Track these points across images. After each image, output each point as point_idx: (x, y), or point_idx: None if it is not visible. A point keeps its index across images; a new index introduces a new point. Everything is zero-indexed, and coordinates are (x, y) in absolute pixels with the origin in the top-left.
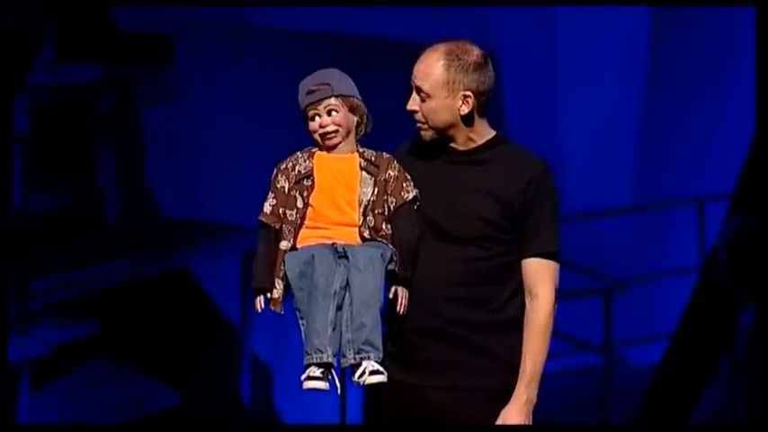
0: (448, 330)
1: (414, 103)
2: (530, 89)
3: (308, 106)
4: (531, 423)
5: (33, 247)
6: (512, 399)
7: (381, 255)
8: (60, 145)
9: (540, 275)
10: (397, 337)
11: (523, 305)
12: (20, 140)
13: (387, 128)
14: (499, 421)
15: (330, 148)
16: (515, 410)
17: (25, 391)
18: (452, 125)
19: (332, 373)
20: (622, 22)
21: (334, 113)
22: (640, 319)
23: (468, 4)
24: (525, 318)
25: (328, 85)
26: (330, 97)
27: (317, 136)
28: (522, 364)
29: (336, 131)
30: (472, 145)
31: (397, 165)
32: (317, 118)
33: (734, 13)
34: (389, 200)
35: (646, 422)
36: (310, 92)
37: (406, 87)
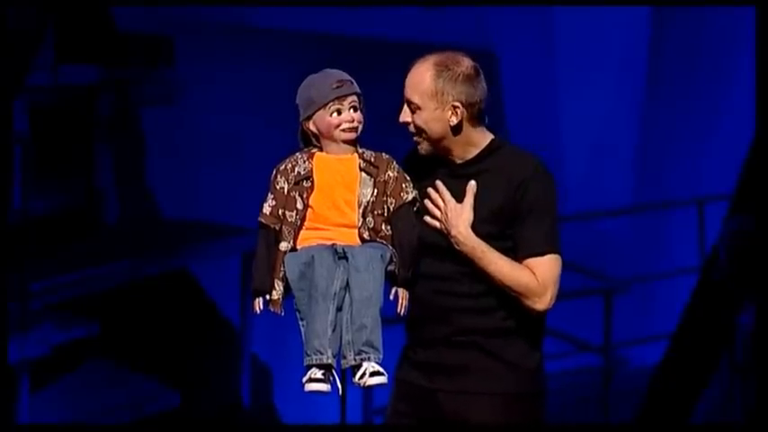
0: (458, 338)
1: (405, 116)
2: (529, 89)
3: (333, 100)
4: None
5: (33, 247)
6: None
7: (381, 256)
8: (60, 146)
9: (537, 275)
10: (411, 341)
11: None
12: (19, 141)
13: (387, 128)
14: (451, 213)
15: (349, 142)
16: (464, 234)
17: (25, 392)
18: (444, 137)
19: (333, 375)
20: (622, 22)
21: (357, 110)
22: (641, 319)
23: (469, 4)
24: None
25: (351, 82)
26: (354, 94)
27: (337, 131)
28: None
29: (359, 127)
30: (468, 156)
31: (397, 165)
32: (340, 113)
33: (734, 13)
34: (389, 201)
35: (646, 422)
36: (338, 86)
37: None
